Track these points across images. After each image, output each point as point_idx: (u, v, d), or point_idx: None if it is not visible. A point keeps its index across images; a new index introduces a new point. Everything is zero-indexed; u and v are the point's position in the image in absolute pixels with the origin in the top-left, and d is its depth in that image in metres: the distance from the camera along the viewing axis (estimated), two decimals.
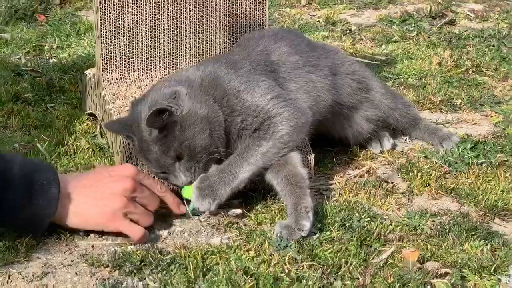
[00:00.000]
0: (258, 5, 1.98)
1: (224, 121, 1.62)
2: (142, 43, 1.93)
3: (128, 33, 1.91)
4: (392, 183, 1.81)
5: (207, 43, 1.97)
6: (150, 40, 1.93)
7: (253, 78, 1.66)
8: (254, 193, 1.68)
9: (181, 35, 1.95)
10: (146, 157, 1.59)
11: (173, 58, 1.96)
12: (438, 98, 2.38)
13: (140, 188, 1.52)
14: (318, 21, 3.36)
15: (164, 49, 1.95)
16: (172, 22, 1.93)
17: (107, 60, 1.91)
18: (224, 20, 1.97)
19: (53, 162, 1.84)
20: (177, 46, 1.95)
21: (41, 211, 1.43)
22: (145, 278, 1.35)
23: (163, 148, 1.56)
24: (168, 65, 1.96)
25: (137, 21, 1.91)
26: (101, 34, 1.89)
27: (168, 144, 1.56)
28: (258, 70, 1.70)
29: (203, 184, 1.56)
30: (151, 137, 1.56)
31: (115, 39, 1.90)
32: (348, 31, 3.20)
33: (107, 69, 1.92)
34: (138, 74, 1.94)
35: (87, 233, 1.51)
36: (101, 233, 1.52)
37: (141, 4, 1.90)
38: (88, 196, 1.47)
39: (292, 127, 1.63)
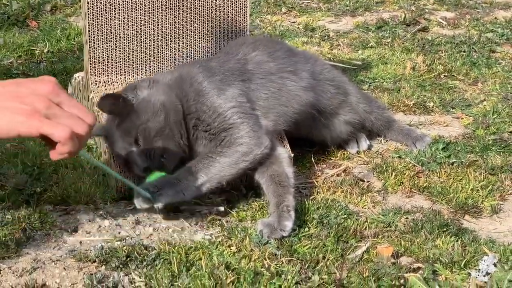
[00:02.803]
0: (240, 12, 2.02)
1: (182, 111, 1.65)
2: (128, 48, 1.95)
3: (115, 38, 1.94)
4: (367, 182, 1.84)
5: (191, 47, 2.00)
6: (136, 45, 1.96)
7: (223, 87, 1.70)
8: (236, 191, 1.71)
9: (166, 39, 1.98)
10: (113, 145, 1.67)
11: (158, 62, 1.98)
12: (411, 101, 2.40)
13: (67, 97, 1.20)
14: (298, 27, 3.37)
15: (149, 53, 1.98)
16: (157, 27, 1.96)
17: (95, 64, 1.94)
18: (207, 26, 2.00)
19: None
20: (162, 50, 1.98)
21: None
22: (130, 273, 1.37)
23: (123, 133, 1.63)
24: (154, 68, 1.98)
25: (123, 26, 1.93)
26: (89, 39, 1.91)
27: (126, 129, 1.63)
28: (231, 79, 1.73)
29: (157, 184, 1.57)
30: (114, 124, 1.64)
31: (102, 44, 1.93)
32: (326, 37, 3.21)
33: (95, 72, 1.94)
34: (124, 77, 1.97)
35: (75, 229, 1.52)
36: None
37: (128, 10, 1.92)
38: (3, 95, 1.15)
39: (250, 138, 1.64)
